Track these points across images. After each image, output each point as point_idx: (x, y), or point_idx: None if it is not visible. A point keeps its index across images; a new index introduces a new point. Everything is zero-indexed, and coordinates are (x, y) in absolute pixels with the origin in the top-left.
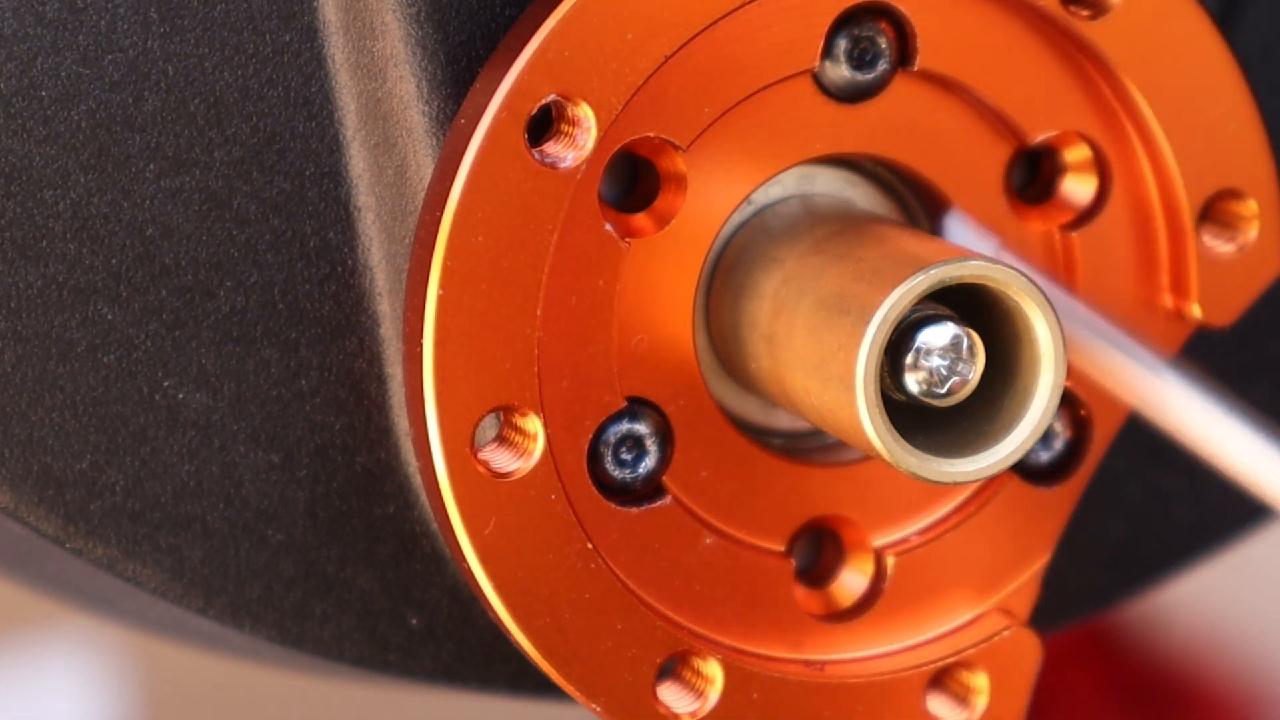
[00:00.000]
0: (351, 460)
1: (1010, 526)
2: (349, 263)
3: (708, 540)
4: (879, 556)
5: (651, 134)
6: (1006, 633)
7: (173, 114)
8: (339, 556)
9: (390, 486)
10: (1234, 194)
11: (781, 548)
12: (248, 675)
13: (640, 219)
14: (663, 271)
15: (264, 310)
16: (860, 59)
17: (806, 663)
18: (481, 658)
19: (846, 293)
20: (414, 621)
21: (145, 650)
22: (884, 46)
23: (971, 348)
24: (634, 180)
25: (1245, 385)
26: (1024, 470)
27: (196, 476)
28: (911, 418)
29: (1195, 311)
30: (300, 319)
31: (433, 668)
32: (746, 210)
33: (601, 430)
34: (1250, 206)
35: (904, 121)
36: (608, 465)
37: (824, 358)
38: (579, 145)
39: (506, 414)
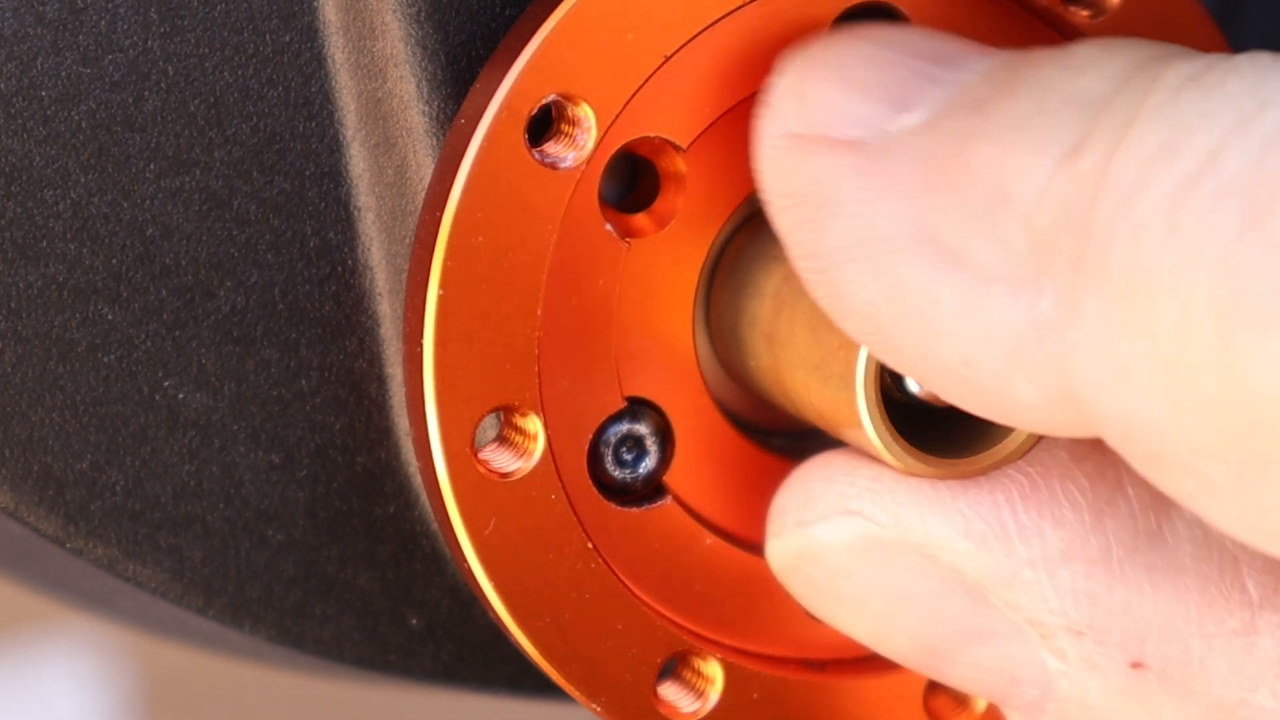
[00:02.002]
0: (351, 460)
1: None
2: (349, 263)
3: (708, 540)
4: None
5: (651, 134)
6: None
7: (173, 114)
8: (339, 556)
9: (390, 486)
10: None
11: None
12: (248, 675)
13: (640, 219)
14: (663, 271)
15: (264, 310)
16: None
17: (807, 663)
18: (481, 658)
19: None
20: (414, 621)
21: (145, 650)
22: None
23: None
24: (634, 180)
25: None
26: None
27: (197, 476)
28: (911, 417)
29: None
30: (300, 319)
31: (433, 668)
32: (746, 209)
33: (601, 430)
34: None
35: None
36: (608, 465)
37: (824, 356)
38: (579, 145)
39: (507, 414)
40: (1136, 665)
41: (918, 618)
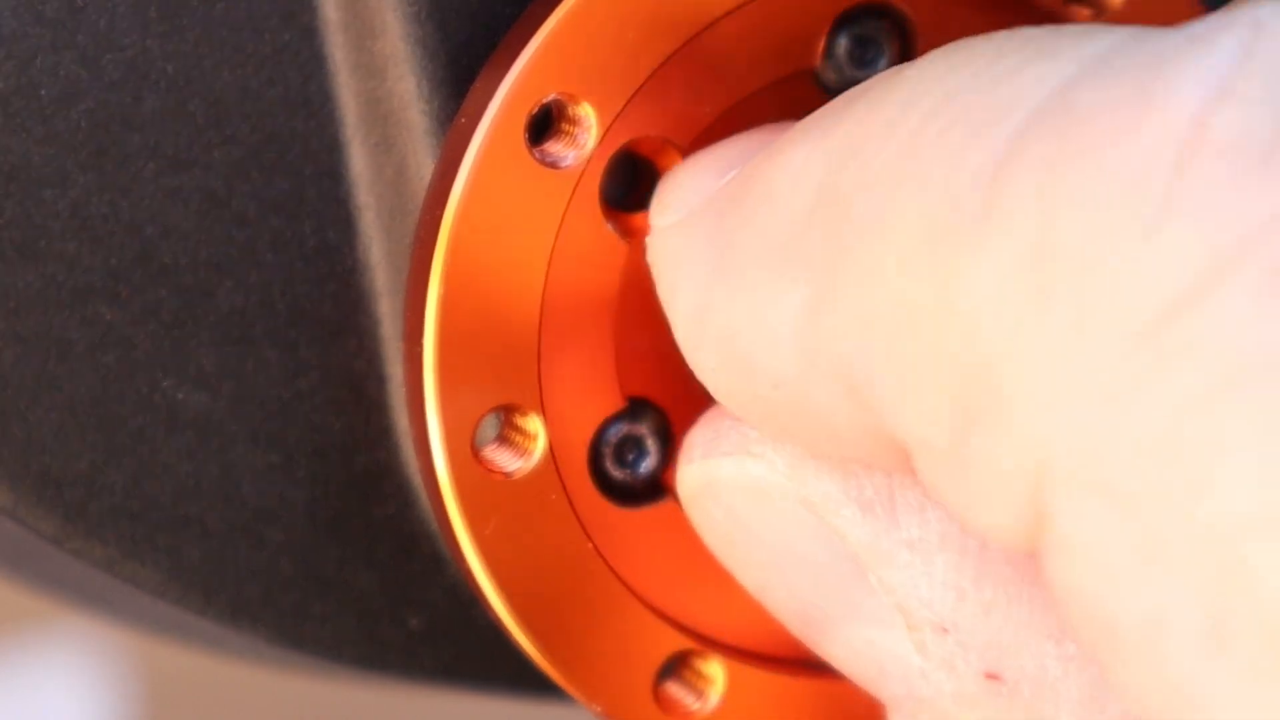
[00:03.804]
0: (351, 460)
1: None
2: (348, 262)
3: None
4: None
5: (652, 133)
6: None
7: (172, 114)
8: (338, 557)
9: (390, 487)
10: None
11: None
12: (248, 675)
13: (640, 218)
14: None
15: (263, 310)
16: (861, 58)
17: (807, 663)
18: (481, 658)
19: None
20: (414, 622)
21: (145, 650)
22: (885, 46)
23: None
24: (634, 180)
25: None
26: None
27: (195, 476)
28: None
29: None
30: (300, 319)
31: (433, 668)
32: None
33: (602, 430)
34: None
35: None
36: (608, 465)
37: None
38: (580, 144)
39: (507, 414)
40: (991, 676)
41: (799, 577)
